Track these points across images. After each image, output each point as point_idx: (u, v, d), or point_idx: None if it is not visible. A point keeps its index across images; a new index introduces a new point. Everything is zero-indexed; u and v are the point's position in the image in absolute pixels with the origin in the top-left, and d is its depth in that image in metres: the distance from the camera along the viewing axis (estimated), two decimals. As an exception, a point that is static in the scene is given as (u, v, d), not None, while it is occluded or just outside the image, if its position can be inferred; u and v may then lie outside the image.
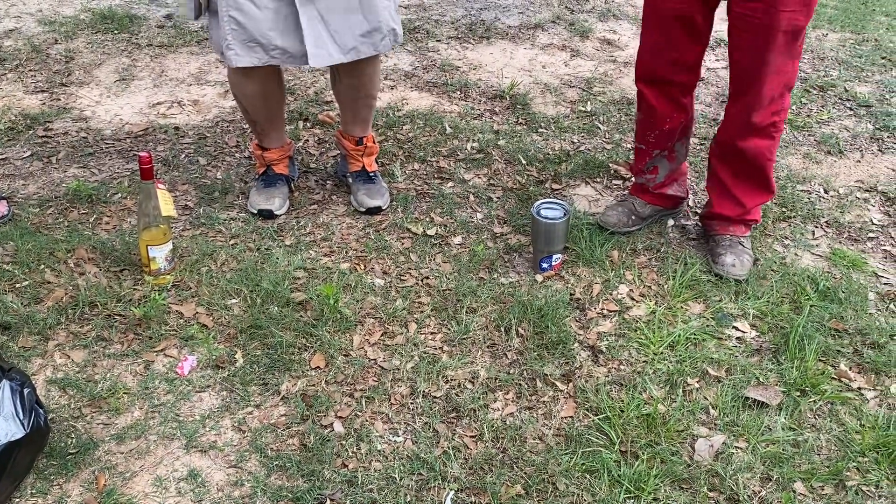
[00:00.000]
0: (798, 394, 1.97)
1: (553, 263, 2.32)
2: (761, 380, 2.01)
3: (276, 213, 2.52)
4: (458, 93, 3.39)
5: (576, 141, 3.08)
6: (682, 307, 2.24)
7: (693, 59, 2.27)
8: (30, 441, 1.61)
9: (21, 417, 1.59)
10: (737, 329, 2.18)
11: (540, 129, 3.14)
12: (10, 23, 3.83)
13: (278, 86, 2.44)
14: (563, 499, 1.69)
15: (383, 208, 2.58)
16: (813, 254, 2.50)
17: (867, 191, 2.85)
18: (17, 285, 2.18)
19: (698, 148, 3.06)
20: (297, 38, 2.19)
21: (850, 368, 2.07)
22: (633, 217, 2.50)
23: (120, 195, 2.62)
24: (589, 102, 3.35)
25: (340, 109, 2.59)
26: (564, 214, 2.28)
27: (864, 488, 1.75)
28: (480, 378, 1.98)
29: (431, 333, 2.12)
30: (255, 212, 2.52)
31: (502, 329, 2.13)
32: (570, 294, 2.26)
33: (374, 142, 2.62)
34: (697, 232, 2.56)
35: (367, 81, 2.44)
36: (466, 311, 2.18)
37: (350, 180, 2.63)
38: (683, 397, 1.95)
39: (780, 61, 2.11)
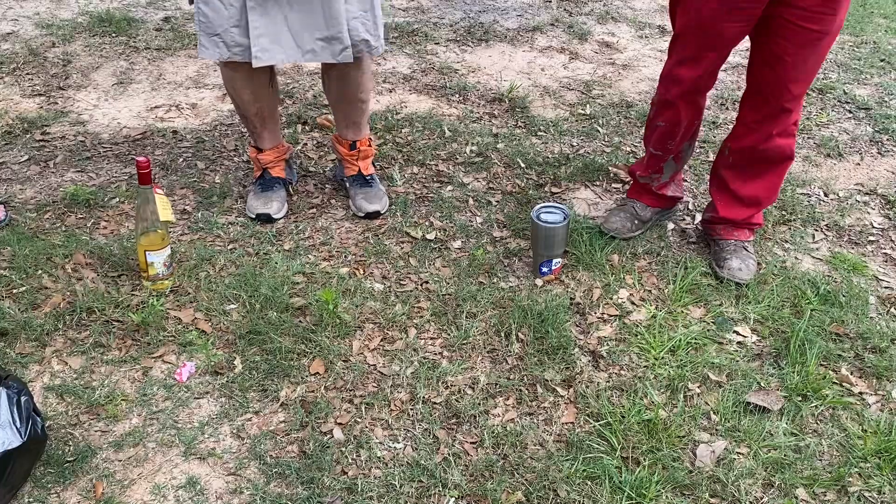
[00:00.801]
0: (799, 399, 1.97)
1: (553, 268, 2.31)
2: (762, 385, 2.01)
3: (274, 217, 2.50)
4: (457, 96, 3.38)
5: (575, 144, 3.07)
6: (682, 311, 2.23)
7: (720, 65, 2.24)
8: (27, 449, 1.60)
9: (18, 426, 1.58)
10: (737, 333, 2.17)
11: (539, 133, 3.13)
12: (7, 26, 3.82)
13: (268, 81, 2.41)
14: (564, 506, 1.68)
15: (382, 212, 2.57)
16: (813, 257, 2.50)
17: (867, 194, 2.85)
18: (15, 291, 2.17)
19: (697, 151, 3.05)
20: None
21: (852, 373, 2.06)
22: (636, 221, 2.49)
23: (118, 200, 2.60)
24: (588, 105, 3.35)
25: (333, 113, 2.59)
26: (564, 218, 2.27)
27: (866, 494, 1.75)
28: (480, 384, 1.97)
29: (431, 339, 2.11)
30: (253, 216, 2.51)
31: (502, 334, 2.12)
32: (571, 298, 2.25)
33: (369, 144, 2.61)
34: (698, 235, 2.56)
35: (354, 86, 2.42)
36: (466, 316, 2.17)
37: (347, 185, 2.62)
38: (684, 402, 1.94)
39: (817, 63, 2.11)
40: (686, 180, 2.85)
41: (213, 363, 1.98)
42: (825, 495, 1.75)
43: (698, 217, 2.63)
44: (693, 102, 2.29)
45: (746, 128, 2.27)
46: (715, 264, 2.38)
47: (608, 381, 2.00)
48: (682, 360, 2.06)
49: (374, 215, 2.55)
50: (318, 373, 1.98)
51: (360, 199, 2.55)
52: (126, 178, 2.73)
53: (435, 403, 1.92)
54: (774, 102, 2.17)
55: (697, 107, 2.32)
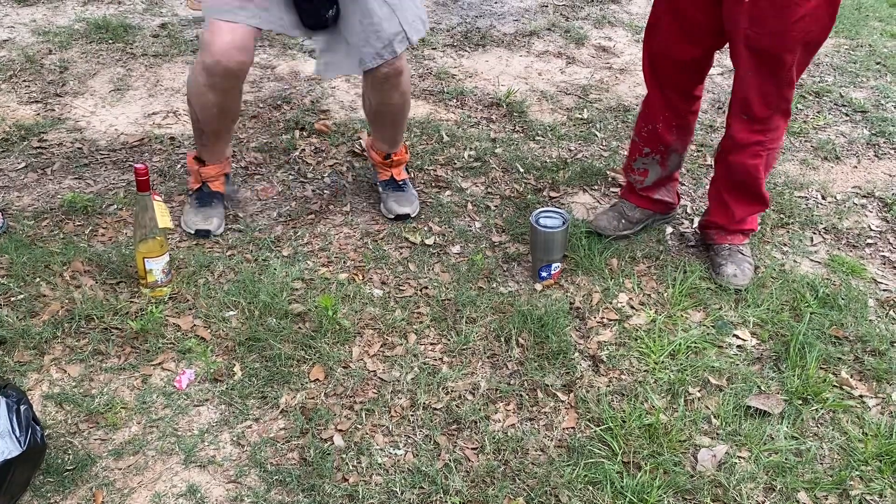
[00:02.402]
0: (800, 402, 1.97)
1: (552, 272, 2.31)
2: (763, 388, 2.01)
3: (213, 233, 2.46)
4: (455, 101, 3.38)
5: (573, 148, 3.07)
6: (682, 315, 2.23)
7: (692, 60, 2.27)
8: (26, 458, 1.59)
9: (17, 434, 1.57)
10: (737, 337, 2.17)
11: (537, 137, 3.13)
12: (4, 33, 3.81)
13: (237, 104, 2.38)
14: (565, 511, 1.68)
15: (412, 216, 2.58)
16: (812, 260, 2.50)
17: (864, 196, 2.85)
18: (13, 299, 2.16)
19: (695, 155, 3.06)
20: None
21: (852, 376, 2.07)
22: (624, 220, 2.50)
23: (116, 206, 2.60)
24: (585, 110, 3.35)
25: (370, 126, 2.61)
26: (563, 223, 2.27)
27: (868, 497, 1.75)
28: (481, 389, 1.97)
29: (431, 344, 2.11)
30: (192, 232, 2.46)
31: (502, 339, 2.12)
32: (570, 303, 2.25)
33: (406, 152, 2.63)
34: (697, 239, 2.56)
35: (396, 112, 2.44)
36: (466, 322, 2.17)
37: (380, 189, 2.64)
38: (685, 407, 1.94)
39: (760, 83, 2.12)
40: (683, 184, 2.85)
41: (212, 370, 1.98)
42: (826, 499, 1.75)
43: (696, 221, 2.63)
44: (663, 92, 2.32)
45: (728, 139, 2.29)
46: (712, 270, 2.38)
47: (608, 386, 2.00)
48: (682, 364, 2.06)
49: (403, 217, 2.56)
50: (317, 379, 1.98)
51: (392, 203, 2.57)
52: (124, 184, 2.72)
53: (435, 409, 1.91)
54: (733, 111, 2.22)
55: (671, 104, 2.33)
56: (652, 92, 2.37)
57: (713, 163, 2.44)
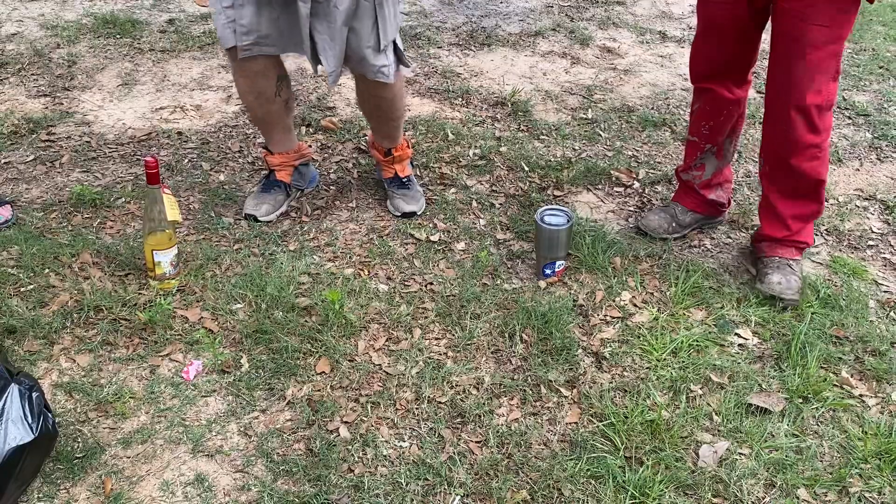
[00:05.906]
0: (800, 401, 1.99)
1: (556, 270, 2.33)
2: (764, 386, 2.03)
3: (259, 218, 2.52)
4: (460, 99, 3.40)
5: (577, 148, 3.10)
6: (684, 314, 2.25)
7: (745, 59, 2.28)
8: (38, 445, 1.61)
9: (29, 421, 1.59)
10: (739, 336, 2.19)
11: (541, 136, 3.15)
12: (13, 27, 3.84)
13: (270, 85, 2.41)
14: (568, 504, 1.70)
15: (418, 213, 2.60)
16: (813, 261, 2.52)
17: (866, 199, 2.87)
18: (23, 289, 2.19)
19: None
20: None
21: (852, 375, 2.09)
22: (674, 224, 2.50)
23: (123, 200, 2.62)
24: (590, 110, 3.37)
25: (366, 120, 2.64)
26: (567, 221, 2.30)
27: (866, 495, 1.77)
28: (485, 384, 1.99)
29: (436, 339, 2.13)
30: (244, 215, 2.55)
31: (506, 335, 2.14)
32: (574, 300, 2.27)
33: (407, 147, 2.65)
34: (699, 240, 2.58)
35: (386, 106, 2.46)
36: (470, 317, 2.19)
37: (385, 186, 2.67)
38: (687, 403, 1.96)
39: (811, 78, 2.10)
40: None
41: (219, 362, 2.00)
42: (826, 496, 1.77)
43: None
44: (723, 85, 2.31)
45: (770, 136, 2.27)
46: (758, 280, 2.32)
47: (611, 382, 2.02)
48: (684, 361, 2.08)
49: (409, 215, 2.58)
50: (323, 372, 2.00)
51: (398, 200, 2.59)
52: (131, 178, 2.75)
53: (440, 403, 1.94)
54: (782, 105, 2.18)
55: (732, 94, 2.32)
56: (711, 87, 2.32)
57: (763, 168, 2.34)
